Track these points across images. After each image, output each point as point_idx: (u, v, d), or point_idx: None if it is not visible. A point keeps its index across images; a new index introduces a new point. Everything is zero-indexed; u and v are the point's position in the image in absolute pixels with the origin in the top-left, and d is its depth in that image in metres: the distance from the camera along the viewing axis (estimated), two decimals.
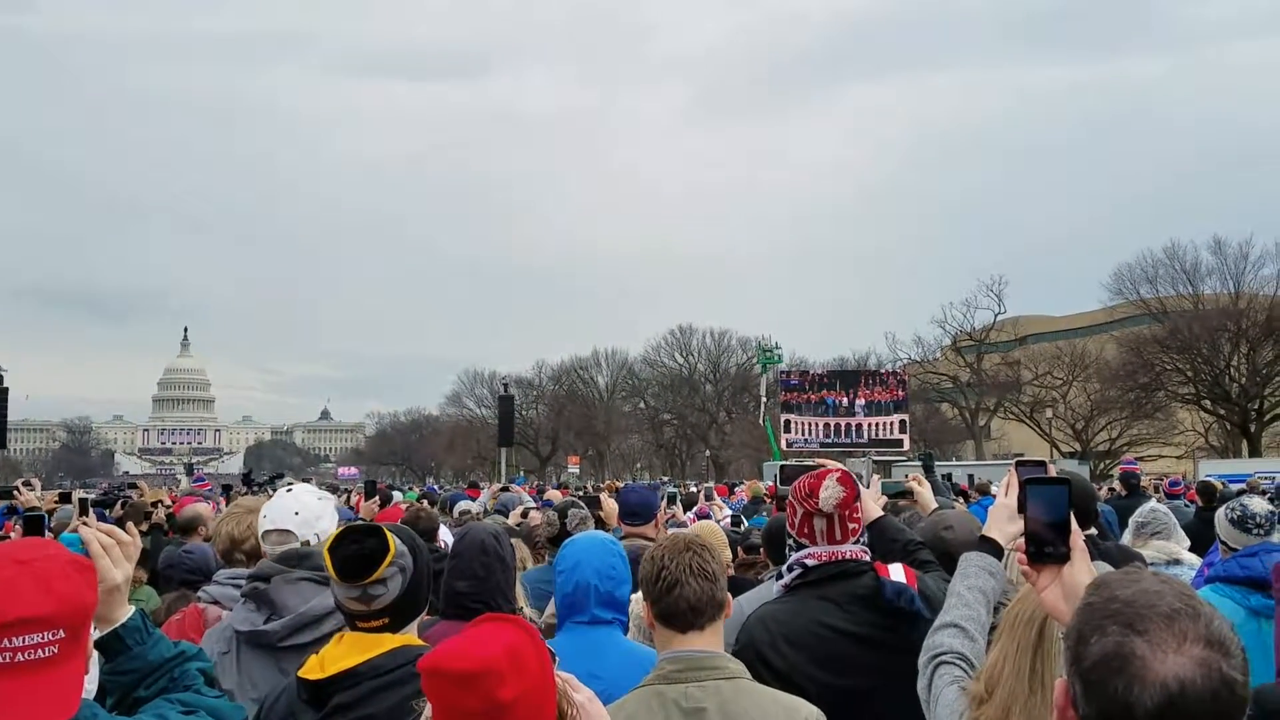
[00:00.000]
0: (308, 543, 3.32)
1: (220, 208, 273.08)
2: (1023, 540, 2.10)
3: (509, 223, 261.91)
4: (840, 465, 3.43)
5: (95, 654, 2.89)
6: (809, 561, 3.22)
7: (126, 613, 2.25)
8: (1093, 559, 2.22)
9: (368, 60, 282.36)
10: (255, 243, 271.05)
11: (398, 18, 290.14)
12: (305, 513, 3.38)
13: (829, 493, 3.15)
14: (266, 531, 3.37)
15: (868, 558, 3.27)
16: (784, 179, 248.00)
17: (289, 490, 3.58)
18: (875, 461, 40.21)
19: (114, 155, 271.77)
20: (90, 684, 2.86)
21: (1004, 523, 2.46)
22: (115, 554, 2.24)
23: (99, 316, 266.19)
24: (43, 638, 1.73)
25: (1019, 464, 2.37)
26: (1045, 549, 2.07)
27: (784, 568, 3.35)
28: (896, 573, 3.18)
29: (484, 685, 1.59)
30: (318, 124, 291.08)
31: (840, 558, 3.20)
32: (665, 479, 56.67)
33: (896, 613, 3.10)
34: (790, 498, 3.32)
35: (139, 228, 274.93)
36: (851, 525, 3.23)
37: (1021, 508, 2.21)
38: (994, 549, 2.49)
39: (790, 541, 3.32)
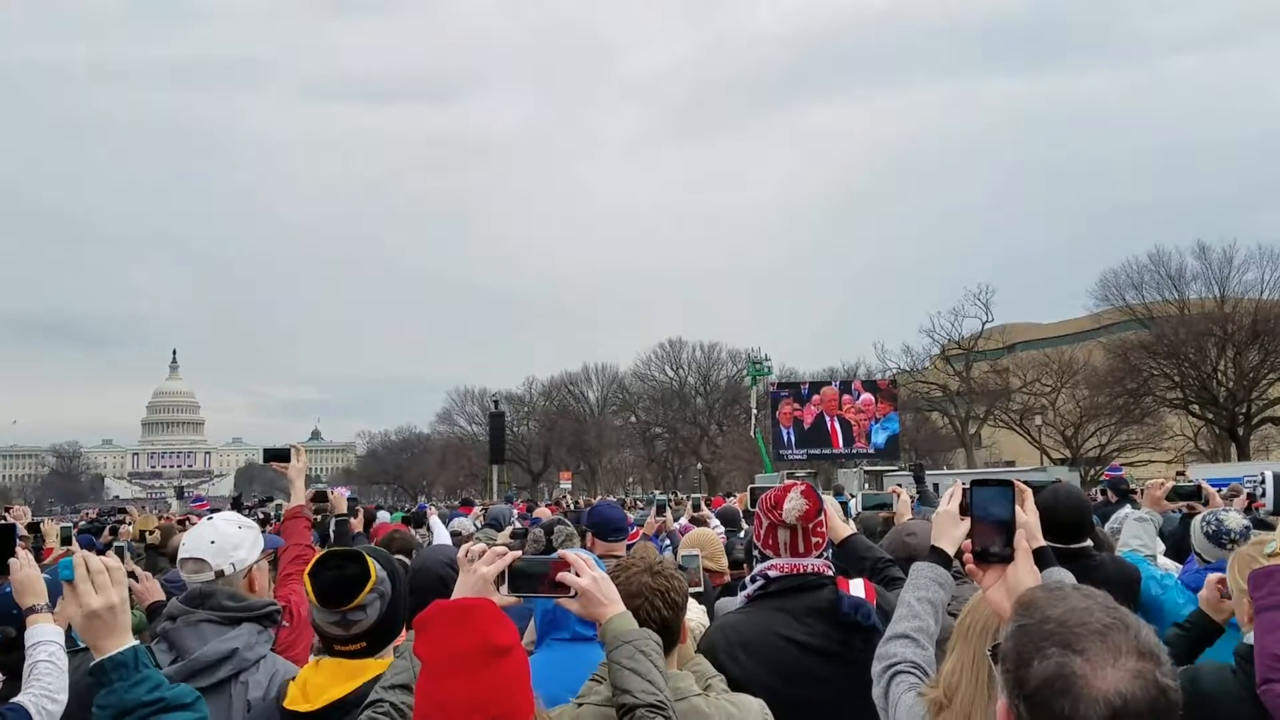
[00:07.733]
0: (222, 572, 3.28)
1: (196, 233, 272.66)
2: (969, 541, 2.17)
3: (493, 242, 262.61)
4: (808, 482, 3.51)
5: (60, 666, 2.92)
6: (771, 573, 3.29)
7: (120, 644, 2.17)
8: (1088, 571, 2.27)
9: (336, 85, 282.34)
10: (234, 267, 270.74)
11: (366, 43, 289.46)
12: (221, 542, 3.32)
13: (792, 504, 3.23)
14: (182, 560, 3.32)
15: (830, 572, 3.32)
16: (762, 195, 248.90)
17: (209, 519, 3.52)
18: (866, 472, 40.35)
19: (75, 181, 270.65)
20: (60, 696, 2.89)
21: (950, 529, 2.49)
22: (100, 579, 2.19)
23: (75, 343, 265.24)
24: None
25: (973, 482, 2.43)
26: (990, 550, 2.14)
27: (748, 578, 3.43)
28: (857, 588, 3.25)
29: None
30: (290, 148, 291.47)
31: (801, 570, 3.27)
32: (657, 492, 56.59)
33: (852, 627, 3.16)
34: (757, 509, 3.41)
35: (111, 254, 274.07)
36: (815, 539, 3.29)
37: (966, 511, 2.29)
38: (943, 559, 2.53)
39: (756, 553, 3.40)
